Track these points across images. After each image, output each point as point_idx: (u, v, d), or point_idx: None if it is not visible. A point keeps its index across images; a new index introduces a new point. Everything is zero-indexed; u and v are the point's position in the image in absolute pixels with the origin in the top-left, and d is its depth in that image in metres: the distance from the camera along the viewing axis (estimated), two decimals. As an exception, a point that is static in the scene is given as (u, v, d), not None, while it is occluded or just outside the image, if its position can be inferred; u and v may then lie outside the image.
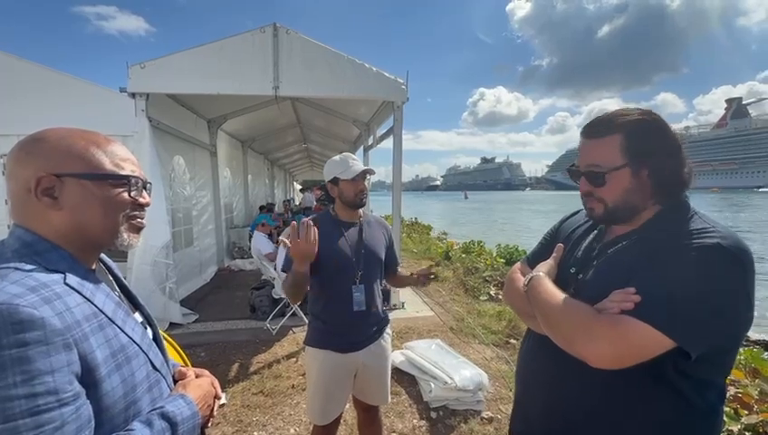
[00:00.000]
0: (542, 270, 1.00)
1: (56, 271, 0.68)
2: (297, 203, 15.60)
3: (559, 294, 0.90)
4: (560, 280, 0.99)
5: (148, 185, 0.84)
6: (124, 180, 0.77)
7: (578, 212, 1.16)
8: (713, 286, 0.75)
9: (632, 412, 0.87)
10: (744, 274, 0.77)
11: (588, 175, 0.93)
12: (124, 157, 0.78)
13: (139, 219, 0.80)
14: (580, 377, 0.86)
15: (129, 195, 0.77)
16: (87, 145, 0.74)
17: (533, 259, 1.13)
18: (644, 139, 0.88)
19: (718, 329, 0.77)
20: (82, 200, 0.72)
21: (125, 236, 0.78)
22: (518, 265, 1.20)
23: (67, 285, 0.67)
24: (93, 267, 0.79)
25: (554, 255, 1.05)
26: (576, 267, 1.00)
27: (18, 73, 4.89)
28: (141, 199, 0.80)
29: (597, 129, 0.92)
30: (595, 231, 1.05)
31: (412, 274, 1.87)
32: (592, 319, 0.81)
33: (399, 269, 2.03)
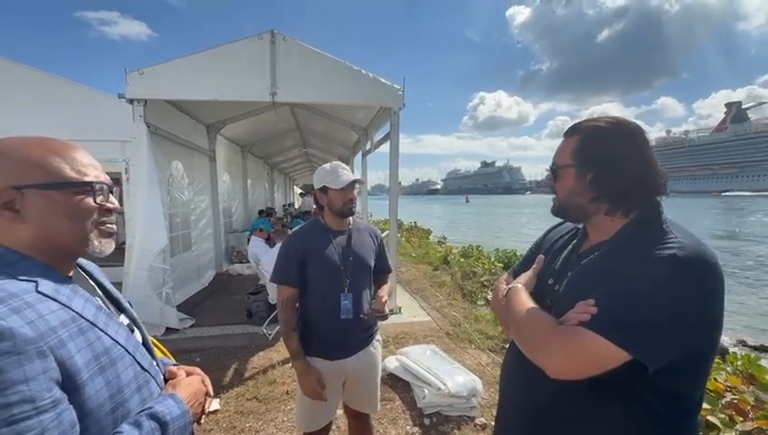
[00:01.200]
0: (521, 281, 1.02)
1: (27, 280, 0.67)
2: (297, 207, 15.63)
3: (527, 305, 0.93)
4: (538, 292, 1.01)
5: (115, 189, 0.82)
6: (87, 187, 0.75)
7: (563, 223, 1.17)
8: (665, 298, 0.74)
9: (602, 424, 0.87)
10: (699, 285, 0.76)
11: (550, 168, 1.01)
12: (85, 163, 0.76)
13: (108, 224, 0.79)
14: (552, 386, 0.86)
15: (95, 201, 0.76)
16: (44, 153, 0.72)
17: (519, 269, 1.15)
18: (594, 145, 0.91)
19: (672, 342, 0.75)
20: (46, 211, 0.71)
21: (96, 243, 0.77)
22: (504, 275, 1.22)
23: (39, 292, 0.66)
24: (70, 274, 0.79)
25: (534, 266, 1.07)
26: (553, 278, 1.01)
27: (16, 78, 4.93)
28: (108, 205, 0.78)
29: (568, 129, 0.99)
30: (575, 241, 1.06)
31: (371, 307, 1.78)
32: (550, 330, 0.83)
33: (389, 283, 2.00)
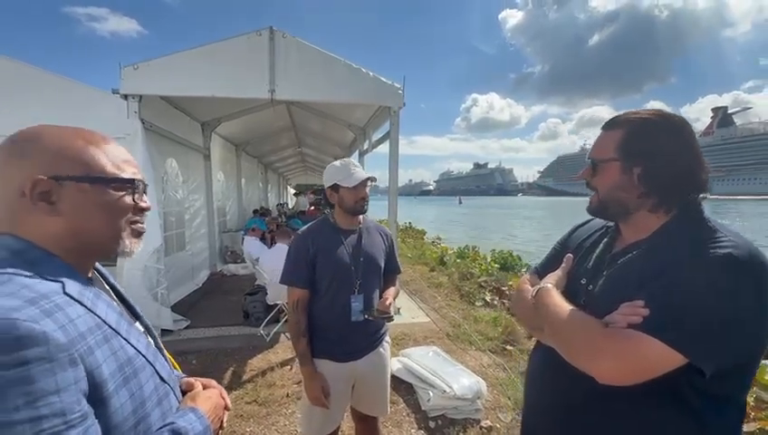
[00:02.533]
0: (551, 281, 0.98)
1: (53, 280, 0.62)
2: (291, 207, 15.50)
3: (566, 307, 0.88)
4: (569, 291, 0.97)
5: (147, 188, 0.79)
6: (127, 184, 0.72)
7: (588, 221, 1.13)
8: (723, 299, 0.72)
9: (643, 428, 0.83)
10: (758, 285, 0.73)
11: (590, 162, 0.96)
12: (125, 158, 0.74)
13: (140, 224, 0.77)
14: (591, 392, 0.82)
15: (133, 199, 0.73)
16: (86, 145, 0.69)
17: (543, 270, 1.11)
18: (641, 138, 0.87)
19: (731, 344, 0.73)
20: (82, 206, 0.68)
21: (127, 241, 0.74)
22: (527, 275, 1.17)
23: (67, 294, 0.62)
24: (90, 276, 0.74)
25: (563, 265, 1.03)
26: (586, 278, 0.98)
27: (7, 74, 4.78)
28: (143, 204, 0.76)
29: (608, 122, 0.95)
30: (606, 240, 1.02)
31: (376, 308, 1.73)
32: (598, 333, 0.78)
33: (396, 284, 1.94)
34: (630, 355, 0.73)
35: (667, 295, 0.75)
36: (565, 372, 0.88)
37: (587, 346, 0.78)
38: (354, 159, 8.10)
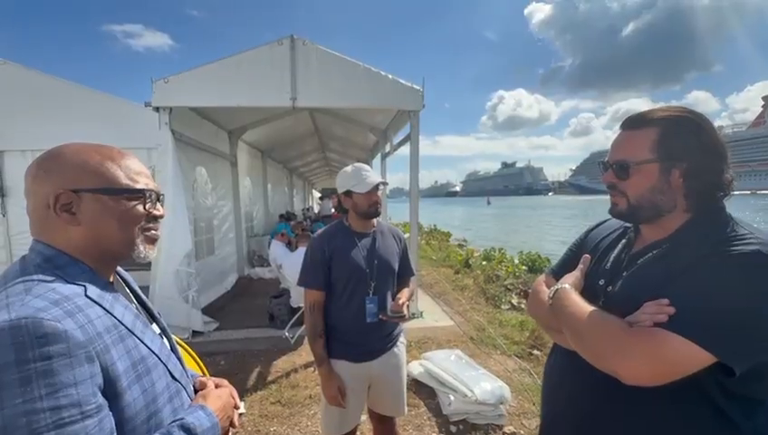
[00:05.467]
0: (568, 282, 0.95)
1: (77, 284, 0.69)
2: (316, 211, 15.76)
3: (587, 307, 0.85)
4: (587, 292, 0.93)
5: (162, 196, 0.85)
6: (139, 194, 0.78)
7: (605, 222, 1.10)
8: (753, 295, 0.69)
9: (669, 429, 0.80)
10: None
11: (615, 166, 0.90)
12: (138, 170, 0.80)
13: (153, 231, 0.82)
14: (613, 395, 0.80)
15: (144, 207, 0.79)
16: (102, 160, 0.75)
17: (559, 271, 1.08)
18: (680, 136, 0.82)
19: (760, 341, 0.69)
20: (99, 214, 0.74)
21: (141, 248, 0.79)
22: (542, 277, 1.14)
23: (88, 297, 0.68)
24: (111, 280, 0.80)
25: (580, 266, 1.00)
26: (605, 279, 0.94)
27: (47, 90, 5.16)
28: (155, 211, 0.81)
29: (633, 121, 0.89)
30: (624, 240, 0.99)
31: (390, 308, 1.72)
32: (624, 333, 0.75)
33: (411, 286, 1.93)
34: (659, 355, 0.71)
35: (693, 293, 0.73)
36: (584, 376, 0.86)
37: (612, 347, 0.76)
38: (376, 161, 8.12)
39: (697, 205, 0.84)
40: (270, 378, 3.45)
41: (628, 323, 0.77)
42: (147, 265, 4.23)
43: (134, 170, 0.79)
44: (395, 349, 1.83)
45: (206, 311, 5.01)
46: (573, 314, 0.85)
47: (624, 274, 0.91)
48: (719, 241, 0.77)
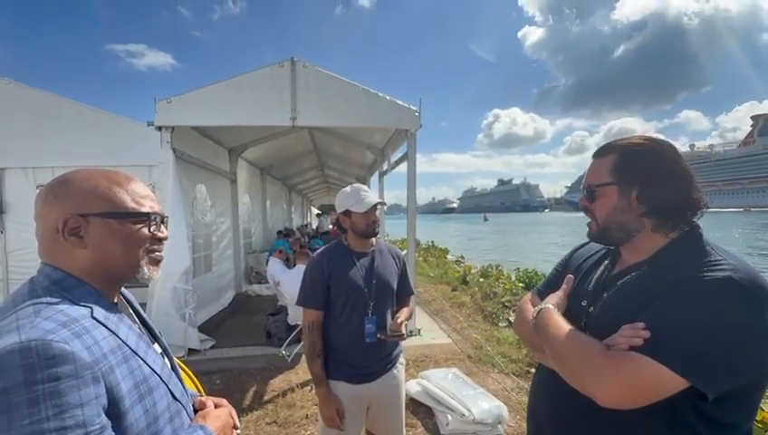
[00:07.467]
0: (551, 302, 0.98)
1: (84, 305, 0.71)
2: (314, 227, 15.76)
3: (567, 328, 0.88)
4: (570, 313, 0.97)
5: (166, 219, 0.88)
6: (144, 217, 0.81)
7: (589, 242, 1.14)
8: (724, 322, 0.72)
9: None
10: (760, 309, 0.72)
11: (585, 190, 0.98)
12: (143, 194, 0.83)
13: (157, 252, 0.84)
14: (593, 415, 0.82)
15: (149, 230, 0.81)
16: (110, 185, 0.78)
17: (544, 290, 1.12)
18: (635, 161, 0.90)
19: (734, 368, 0.72)
20: (106, 238, 0.76)
21: (145, 269, 0.81)
22: (529, 295, 1.18)
23: (94, 318, 0.70)
24: (116, 300, 0.83)
25: (564, 286, 1.03)
26: (587, 300, 0.98)
27: (48, 108, 5.22)
28: (159, 234, 0.84)
29: (600, 150, 0.97)
30: (606, 261, 1.03)
31: (391, 329, 1.74)
32: (600, 356, 0.78)
33: (411, 305, 1.96)
34: (633, 379, 0.73)
35: (667, 318, 0.75)
36: (565, 394, 0.88)
37: (588, 369, 0.78)
38: (374, 179, 8.19)
39: (665, 224, 0.88)
40: (266, 397, 3.42)
41: (606, 345, 0.80)
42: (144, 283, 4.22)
43: (140, 194, 0.81)
44: (394, 370, 1.83)
45: (203, 328, 4.97)
46: (554, 335, 0.88)
47: (604, 295, 0.94)
48: (693, 266, 0.80)
